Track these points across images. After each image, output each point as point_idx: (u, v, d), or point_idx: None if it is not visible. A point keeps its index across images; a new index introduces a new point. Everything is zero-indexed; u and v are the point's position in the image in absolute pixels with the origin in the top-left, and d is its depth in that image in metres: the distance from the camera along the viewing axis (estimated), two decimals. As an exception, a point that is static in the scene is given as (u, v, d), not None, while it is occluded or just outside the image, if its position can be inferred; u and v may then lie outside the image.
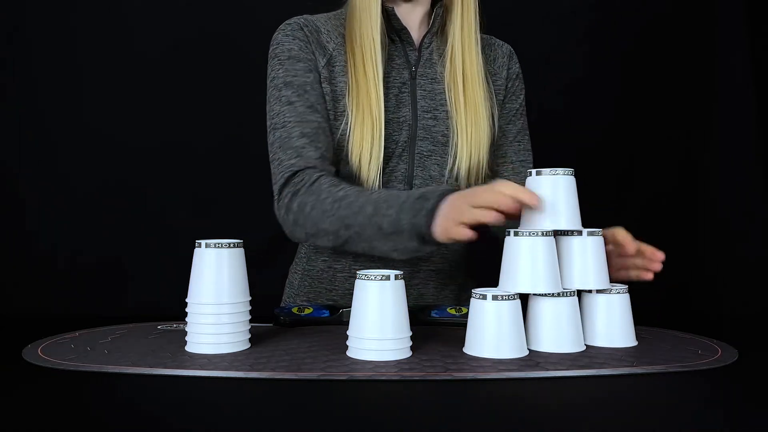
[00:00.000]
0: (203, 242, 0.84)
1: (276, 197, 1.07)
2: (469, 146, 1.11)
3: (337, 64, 1.11)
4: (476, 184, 1.12)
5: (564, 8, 1.84)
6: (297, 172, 1.04)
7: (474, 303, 0.82)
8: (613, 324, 0.88)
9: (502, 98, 1.20)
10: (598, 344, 0.88)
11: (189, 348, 0.84)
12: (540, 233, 0.84)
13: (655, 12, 1.83)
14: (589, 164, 1.77)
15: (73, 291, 1.73)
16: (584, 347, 0.86)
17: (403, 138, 1.11)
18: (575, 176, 0.89)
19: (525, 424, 0.60)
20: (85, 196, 1.77)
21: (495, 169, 1.20)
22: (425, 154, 1.13)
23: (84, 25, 1.77)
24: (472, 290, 0.83)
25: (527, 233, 0.84)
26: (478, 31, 1.13)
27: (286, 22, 1.13)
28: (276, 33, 1.13)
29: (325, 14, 1.16)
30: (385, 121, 1.08)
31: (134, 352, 0.84)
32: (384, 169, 1.10)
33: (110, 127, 1.78)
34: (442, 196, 0.90)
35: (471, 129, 1.11)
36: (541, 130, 1.80)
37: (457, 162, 1.11)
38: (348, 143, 1.07)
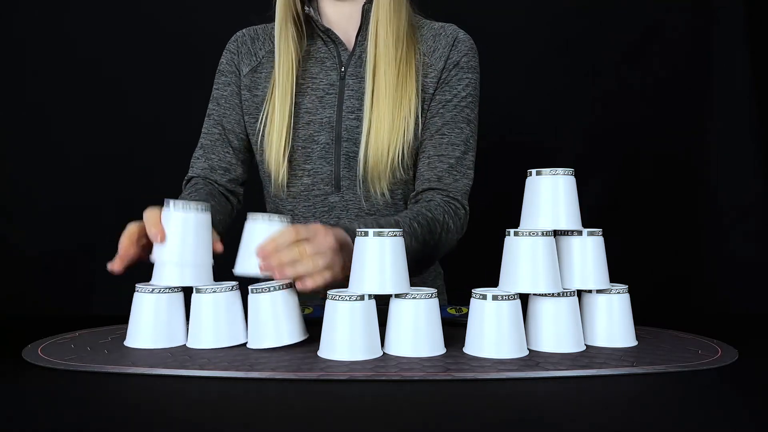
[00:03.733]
0: (255, 287, 0.85)
1: None
2: (375, 144, 1.07)
3: (264, 70, 1.16)
4: (384, 184, 1.09)
5: (563, 7, 1.84)
6: (189, 180, 1.18)
7: (474, 303, 0.82)
8: (613, 324, 0.88)
9: (433, 91, 1.13)
10: (598, 344, 0.88)
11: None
12: (540, 233, 0.84)
13: (656, 10, 1.83)
14: (589, 164, 1.78)
15: (73, 291, 1.73)
16: (584, 347, 0.86)
17: (324, 139, 1.12)
18: (575, 176, 0.89)
19: (525, 424, 0.60)
20: (85, 197, 1.77)
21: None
22: (351, 155, 1.11)
23: (59, 26, 1.77)
24: (472, 290, 0.83)
25: (527, 233, 0.84)
26: (400, 23, 1.09)
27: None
28: None
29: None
30: (306, 123, 1.12)
31: (134, 353, 0.84)
32: (308, 170, 1.12)
33: (117, 127, 1.78)
34: None
35: (378, 125, 1.07)
36: (540, 130, 1.82)
37: (363, 161, 1.08)
38: (264, 146, 1.13)
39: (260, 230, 0.91)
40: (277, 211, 1.19)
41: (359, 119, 1.11)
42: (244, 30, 1.22)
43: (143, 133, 1.77)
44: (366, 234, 0.82)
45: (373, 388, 0.70)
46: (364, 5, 1.12)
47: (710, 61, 1.82)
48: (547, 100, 1.80)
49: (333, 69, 1.13)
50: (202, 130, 1.20)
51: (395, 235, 0.83)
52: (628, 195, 1.84)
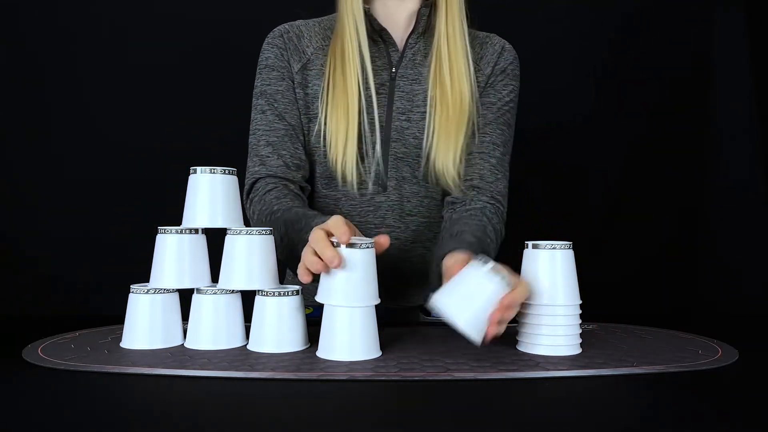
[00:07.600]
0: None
1: (243, 202, 1.10)
2: (446, 148, 1.08)
3: (314, 67, 1.13)
4: (447, 183, 1.10)
5: (562, 7, 1.84)
6: (258, 179, 1.10)
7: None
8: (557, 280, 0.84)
9: (479, 94, 1.15)
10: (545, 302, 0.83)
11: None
12: (556, 245, 0.83)
13: (656, 11, 1.83)
14: (590, 163, 1.78)
15: (73, 291, 1.73)
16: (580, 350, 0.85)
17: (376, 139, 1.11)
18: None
19: (525, 424, 0.60)
20: (85, 197, 1.77)
21: None
22: (399, 156, 1.12)
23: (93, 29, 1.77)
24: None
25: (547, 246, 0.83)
26: (465, 27, 1.11)
27: (273, 29, 1.16)
28: (264, 42, 1.17)
29: (317, 18, 1.18)
30: (359, 122, 1.10)
31: (134, 352, 0.84)
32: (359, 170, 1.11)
33: (129, 129, 1.78)
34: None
35: (450, 130, 1.08)
36: (540, 130, 1.82)
37: (430, 164, 1.10)
38: (324, 144, 1.10)
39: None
40: (322, 211, 1.15)
41: (410, 120, 1.12)
42: (285, 26, 1.16)
43: (142, 133, 1.77)
44: (338, 246, 0.80)
45: (373, 388, 0.70)
46: (420, 8, 1.13)
47: (710, 61, 1.83)
48: (547, 100, 1.80)
49: (384, 69, 1.13)
50: (257, 128, 1.12)
51: (368, 247, 0.81)
52: (629, 195, 1.84)
